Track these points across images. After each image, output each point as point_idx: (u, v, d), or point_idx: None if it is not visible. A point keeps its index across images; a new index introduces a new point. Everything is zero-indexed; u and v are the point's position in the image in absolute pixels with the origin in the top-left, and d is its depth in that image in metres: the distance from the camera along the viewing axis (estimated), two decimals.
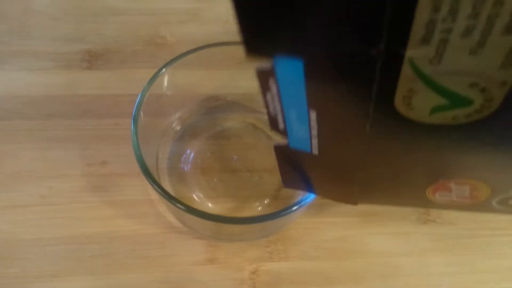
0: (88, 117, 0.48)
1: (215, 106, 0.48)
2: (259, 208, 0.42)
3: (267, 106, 0.22)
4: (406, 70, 0.15)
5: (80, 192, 0.43)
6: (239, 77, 0.47)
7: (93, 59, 0.52)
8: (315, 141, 0.22)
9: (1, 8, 0.55)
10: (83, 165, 0.45)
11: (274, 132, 0.24)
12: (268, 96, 0.21)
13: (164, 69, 0.41)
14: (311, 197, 0.36)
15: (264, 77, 0.19)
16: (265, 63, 0.18)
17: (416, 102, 0.17)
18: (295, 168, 0.28)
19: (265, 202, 0.43)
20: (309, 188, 0.33)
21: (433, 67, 0.15)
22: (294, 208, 0.35)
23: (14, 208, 0.42)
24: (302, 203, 0.35)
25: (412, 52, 0.14)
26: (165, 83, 0.42)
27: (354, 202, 0.28)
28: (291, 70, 0.18)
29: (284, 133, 0.23)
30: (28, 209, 0.42)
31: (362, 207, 0.43)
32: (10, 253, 0.40)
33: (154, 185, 0.35)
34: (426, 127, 0.18)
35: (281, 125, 0.23)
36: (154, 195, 0.43)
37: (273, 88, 0.20)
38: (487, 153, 0.18)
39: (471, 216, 0.44)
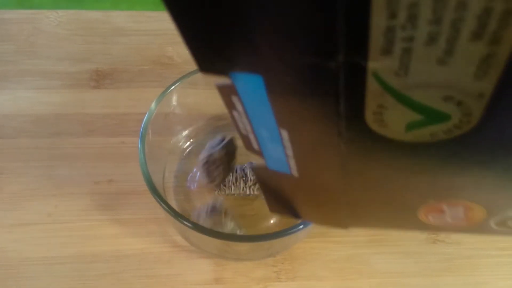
0: (95, 135, 0.48)
1: (222, 125, 0.48)
2: (266, 227, 0.42)
3: (235, 125, 0.20)
4: (371, 84, 0.14)
5: (87, 210, 0.43)
6: None
7: (100, 79, 0.52)
8: (292, 162, 0.20)
9: (9, 28, 0.56)
10: (89, 183, 0.45)
11: (250, 152, 0.22)
12: (235, 114, 0.19)
13: (172, 88, 0.41)
14: None
15: (226, 93, 0.18)
16: (223, 80, 0.17)
17: (388, 118, 0.15)
18: (278, 192, 0.25)
19: (271, 221, 0.42)
20: (295, 213, 0.30)
21: (400, 80, 0.13)
22: (301, 226, 0.35)
23: (20, 226, 0.42)
24: (309, 222, 0.35)
25: (374, 63, 0.13)
26: (173, 102, 0.42)
27: (344, 226, 0.26)
28: (252, 86, 0.16)
29: (259, 153, 0.21)
30: (35, 227, 0.42)
31: None
32: (16, 272, 0.40)
33: (161, 203, 0.35)
34: (404, 145, 0.16)
35: (254, 145, 0.21)
36: (160, 213, 0.43)
37: (238, 105, 0.18)
38: (475, 172, 0.16)
39: (479, 236, 0.44)
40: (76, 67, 0.53)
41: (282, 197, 0.26)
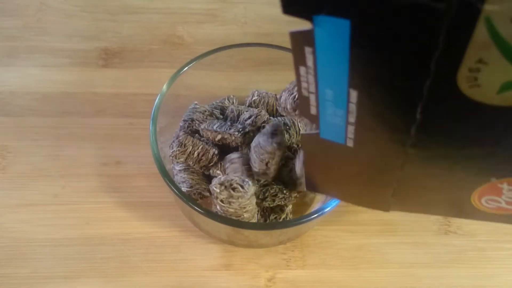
0: (103, 116, 0.47)
1: None
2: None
3: (298, 84, 0.18)
4: (480, 32, 0.12)
5: (94, 192, 0.42)
6: (257, 79, 0.47)
7: (109, 57, 0.51)
8: (351, 130, 0.19)
9: (16, 3, 0.55)
10: (97, 164, 0.44)
11: (304, 118, 0.20)
12: (302, 70, 0.17)
13: (184, 69, 0.40)
14: (332, 204, 0.35)
15: (300, 43, 0.16)
16: (303, 26, 0.15)
17: (484, 77, 0.13)
18: (323, 165, 0.24)
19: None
20: (335, 191, 0.29)
21: None
22: (314, 216, 0.34)
23: (26, 206, 0.41)
24: (323, 211, 0.34)
25: (491, 6, 0.11)
26: (184, 84, 0.41)
27: (386, 209, 0.25)
28: (334, 34, 0.14)
29: (315, 119, 0.20)
30: (41, 208, 0.41)
31: (381, 215, 0.42)
32: (21, 253, 0.39)
33: (172, 186, 0.34)
34: (490, 110, 0.14)
35: (313, 110, 0.19)
36: (169, 197, 0.42)
37: (309, 59, 0.16)
38: None
39: (493, 229, 0.43)
40: (85, 44, 0.52)
41: (325, 172, 0.25)
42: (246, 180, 0.34)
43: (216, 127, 0.39)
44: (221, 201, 0.33)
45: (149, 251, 0.40)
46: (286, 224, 0.35)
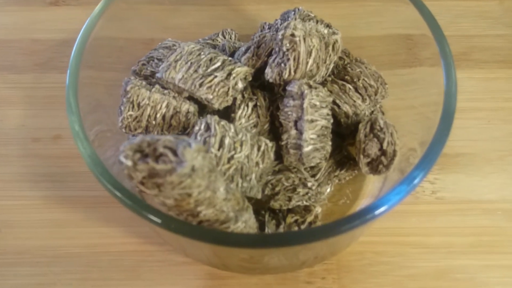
0: (43, 71, 0.33)
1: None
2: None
3: None
4: None
5: (14, 182, 0.29)
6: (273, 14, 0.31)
7: None
8: None
9: None
10: (25, 140, 0.29)
11: None
12: None
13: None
14: (392, 200, 0.19)
15: None
16: None
17: None
18: None
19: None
20: None
21: None
22: (359, 219, 0.19)
23: None
24: (376, 211, 0.18)
25: None
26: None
27: None
28: None
29: None
30: None
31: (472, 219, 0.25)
32: None
33: (115, 192, 0.19)
34: None
35: None
36: None
37: None
38: None
39: None
40: None
41: None
42: (185, 140, 0.17)
43: (181, 78, 0.23)
44: (141, 183, 0.17)
45: (89, 276, 0.25)
46: (304, 235, 0.19)
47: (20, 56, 0.33)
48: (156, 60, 0.25)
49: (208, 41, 0.28)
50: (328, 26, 0.26)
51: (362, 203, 0.26)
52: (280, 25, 0.26)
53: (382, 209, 0.19)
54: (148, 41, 0.29)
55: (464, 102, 0.30)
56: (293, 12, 0.26)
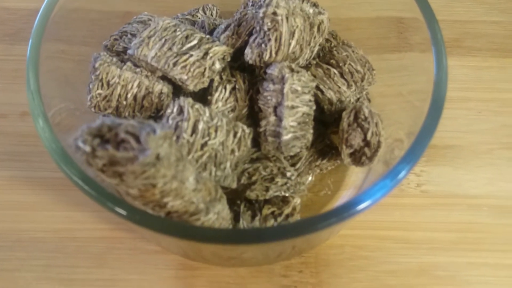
0: (13, 42, 0.31)
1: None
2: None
3: None
4: None
5: None
6: None
7: None
8: None
9: None
10: None
11: None
12: None
13: None
14: (377, 194, 0.17)
15: None
16: None
17: None
18: None
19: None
20: None
21: None
22: (340, 214, 0.18)
23: None
24: (359, 205, 0.17)
25: None
26: None
27: None
28: None
29: None
30: None
31: (456, 214, 0.24)
32: None
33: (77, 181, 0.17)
34: None
35: None
36: None
37: None
38: None
39: None
40: None
41: None
42: (151, 125, 0.15)
43: (154, 56, 0.21)
44: (101, 171, 0.15)
45: (53, 263, 0.24)
46: (278, 232, 0.18)
47: None
48: (129, 35, 0.24)
49: (187, 17, 0.26)
50: (314, 5, 0.25)
51: (344, 194, 0.25)
52: (264, 1, 0.25)
53: (363, 204, 0.18)
54: (124, 14, 0.28)
55: (454, 92, 0.28)
56: None
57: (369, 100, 0.26)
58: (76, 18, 0.24)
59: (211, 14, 0.27)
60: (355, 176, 0.25)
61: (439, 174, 0.26)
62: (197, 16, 0.26)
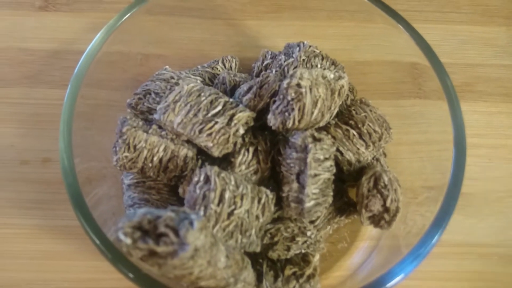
0: (32, 85, 0.31)
1: None
2: None
3: None
4: None
5: (6, 209, 0.27)
6: (272, 32, 0.30)
7: None
8: None
9: None
10: (13, 162, 0.28)
11: None
12: None
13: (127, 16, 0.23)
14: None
15: None
16: None
17: None
18: None
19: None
20: None
21: None
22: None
23: None
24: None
25: None
26: (141, 37, 0.24)
27: None
28: None
29: None
30: None
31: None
32: None
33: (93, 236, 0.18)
34: None
35: None
36: None
37: None
38: None
39: None
40: None
41: None
42: (188, 216, 0.16)
43: (180, 122, 0.22)
44: (141, 259, 0.16)
45: None
46: None
47: (7, 67, 0.31)
48: (153, 95, 0.24)
49: (207, 69, 0.27)
50: (333, 63, 0.25)
51: (360, 245, 0.26)
52: (284, 61, 0.25)
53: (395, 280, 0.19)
54: (143, 57, 0.28)
55: (467, 138, 0.29)
56: (297, 48, 0.25)
57: (385, 155, 0.26)
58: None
59: (231, 67, 0.27)
60: (371, 227, 0.26)
61: (450, 223, 0.27)
62: (217, 69, 0.27)
